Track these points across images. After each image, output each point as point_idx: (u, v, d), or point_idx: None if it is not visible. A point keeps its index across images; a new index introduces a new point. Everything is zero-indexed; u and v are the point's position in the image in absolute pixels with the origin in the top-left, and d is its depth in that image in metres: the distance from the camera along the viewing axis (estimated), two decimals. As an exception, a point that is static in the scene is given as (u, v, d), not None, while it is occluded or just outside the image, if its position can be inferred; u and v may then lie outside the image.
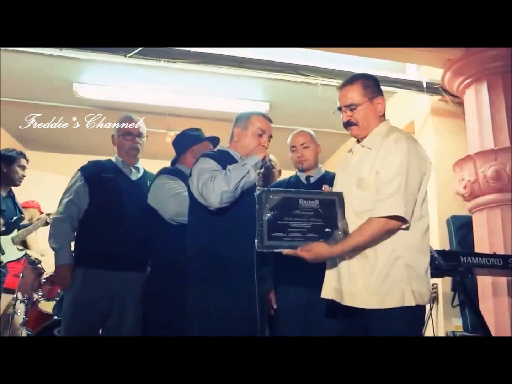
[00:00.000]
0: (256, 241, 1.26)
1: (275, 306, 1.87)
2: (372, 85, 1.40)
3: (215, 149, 1.71)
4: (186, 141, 1.97)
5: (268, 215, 1.29)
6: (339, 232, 1.29)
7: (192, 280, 1.49)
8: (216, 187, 1.40)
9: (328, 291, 1.36)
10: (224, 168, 1.49)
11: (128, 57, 2.56)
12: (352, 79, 1.41)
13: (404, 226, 1.25)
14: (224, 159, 1.54)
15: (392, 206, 1.22)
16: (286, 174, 2.44)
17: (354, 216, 1.31)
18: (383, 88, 3.18)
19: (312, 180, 1.99)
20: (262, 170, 2.30)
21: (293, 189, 1.47)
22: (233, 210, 1.47)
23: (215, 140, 2.00)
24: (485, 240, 2.37)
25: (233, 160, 1.56)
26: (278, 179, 2.33)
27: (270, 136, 1.62)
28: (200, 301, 1.44)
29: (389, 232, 1.25)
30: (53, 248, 1.90)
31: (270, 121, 1.65)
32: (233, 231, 1.46)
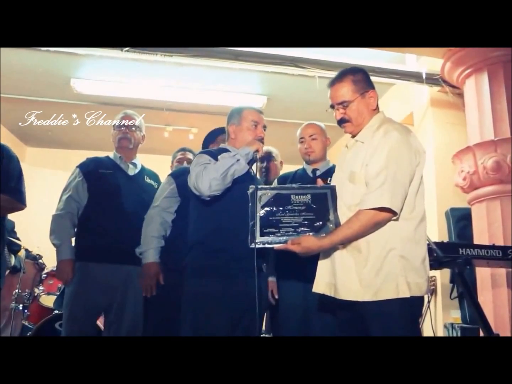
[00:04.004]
0: (249, 237, 1.29)
1: (276, 296, 1.89)
2: (362, 79, 1.38)
3: (215, 148, 1.73)
4: (206, 140, 2.06)
5: (260, 211, 1.31)
6: (331, 225, 1.29)
7: (187, 271, 1.53)
8: (205, 175, 1.45)
9: (320, 285, 1.36)
10: None
11: (125, 51, 2.55)
12: (341, 75, 1.39)
13: (394, 218, 1.24)
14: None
15: (379, 198, 1.22)
16: (287, 168, 2.44)
17: (346, 210, 1.31)
18: (382, 79, 3.16)
19: (318, 173, 1.98)
20: (265, 164, 2.34)
21: (285, 185, 1.50)
22: (228, 204, 1.51)
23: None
24: (484, 232, 2.36)
25: None
26: (281, 172, 2.33)
27: (264, 127, 1.67)
28: (193, 290, 1.48)
29: (378, 224, 1.24)
30: (54, 245, 1.92)
31: (261, 112, 1.69)
32: (228, 224, 1.49)
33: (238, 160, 1.49)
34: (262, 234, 1.29)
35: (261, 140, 1.62)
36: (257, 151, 1.55)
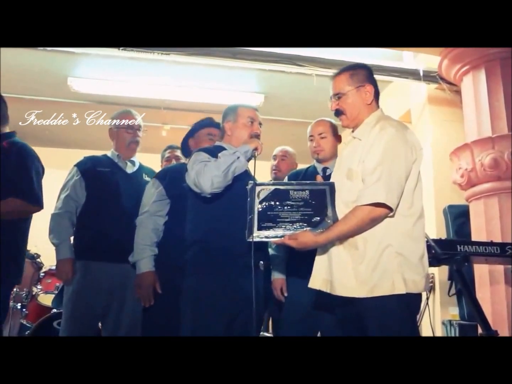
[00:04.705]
0: (246, 231, 1.29)
1: (286, 294, 1.89)
2: (361, 73, 1.40)
3: (211, 145, 1.73)
4: (186, 138, 2.02)
5: (259, 206, 1.32)
6: (328, 221, 1.30)
7: (186, 269, 1.53)
8: (207, 172, 1.46)
9: (316, 281, 1.36)
10: None
11: (121, 49, 2.54)
12: (342, 69, 1.43)
13: (390, 214, 1.25)
14: (219, 152, 1.56)
15: (374, 194, 1.22)
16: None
17: (343, 206, 1.31)
18: (379, 77, 3.16)
19: (328, 172, 1.93)
20: (276, 161, 2.36)
21: (284, 181, 1.48)
22: (226, 202, 1.51)
23: (208, 121, 1.99)
24: (482, 229, 2.36)
25: None
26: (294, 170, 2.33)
27: (260, 124, 1.68)
28: (193, 288, 1.48)
29: (375, 220, 1.24)
30: (53, 244, 1.92)
31: (257, 110, 1.71)
32: (226, 222, 1.50)
33: (238, 157, 1.50)
34: (259, 228, 1.29)
35: (257, 137, 1.63)
36: (256, 149, 1.56)
